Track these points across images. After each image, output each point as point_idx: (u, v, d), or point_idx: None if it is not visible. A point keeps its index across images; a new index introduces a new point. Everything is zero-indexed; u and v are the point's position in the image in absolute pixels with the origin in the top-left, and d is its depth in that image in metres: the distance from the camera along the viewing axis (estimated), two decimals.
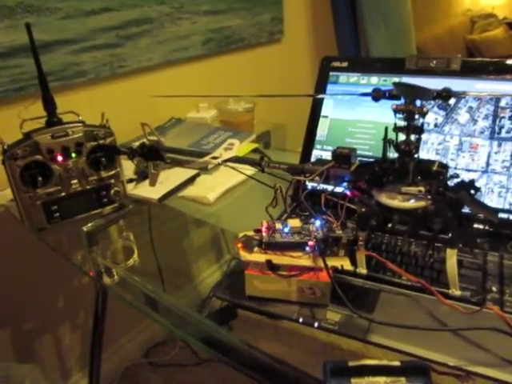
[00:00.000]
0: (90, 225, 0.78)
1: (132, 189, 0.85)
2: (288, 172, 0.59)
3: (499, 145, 0.64)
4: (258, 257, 0.52)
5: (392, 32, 1.68)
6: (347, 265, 0.51)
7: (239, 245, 0.53)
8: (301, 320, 0.50)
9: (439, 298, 0.47)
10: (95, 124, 0.75)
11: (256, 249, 0.53)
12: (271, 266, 0.51)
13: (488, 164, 0.64)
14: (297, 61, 1.70)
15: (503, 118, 0.64)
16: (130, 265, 0.74)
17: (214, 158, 0.65)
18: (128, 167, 0.83)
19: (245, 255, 0.52)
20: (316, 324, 0.49)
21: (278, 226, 0.54)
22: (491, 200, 0.63)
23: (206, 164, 0.66)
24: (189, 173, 0.90)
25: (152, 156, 0.71)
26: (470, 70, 0.67)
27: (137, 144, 0.72)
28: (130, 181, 0.86)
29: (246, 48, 1.49)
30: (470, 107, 0.66)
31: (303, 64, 1.70)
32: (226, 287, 0.56)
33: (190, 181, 0.89)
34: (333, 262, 0.51)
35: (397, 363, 0.43)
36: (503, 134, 0.64)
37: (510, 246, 0.59)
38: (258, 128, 1.20)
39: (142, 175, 0.87)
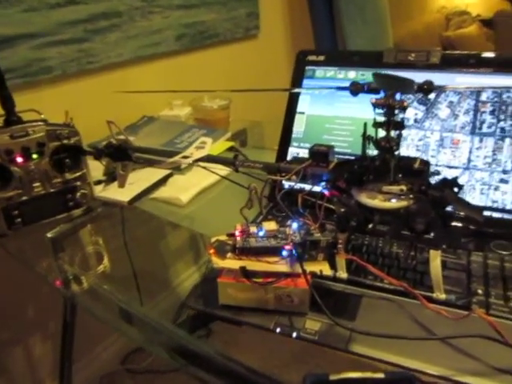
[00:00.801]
0: (55, 230, 0.73)
1: (100, 191, 0.81)
2: (264, 171, 0.56)
3: (480, 140, 0.62)
4: (232, 263, 0.48)
5: (369, 27, 1.67)
6: (326, 270, 0.48)
7: (211, 250, 0.50)
8: (278, 330, 0.47)
9: (424, 303, 0.45)
10: (59, 123, 0.71)
11: (229, 254, 0.50)
12: (246, 273, 0.48)
13: (470, 160, 0.62)
14: (274, 57, 1.67)
15: (484, 112, 0.62)
16: (99, 272, 0.70)
17: (185, 157, 0.61)
18: (96, 168, 0.79)
19: (217, 262, 0.49)
20: (294, 334, 0.46)
21: (253, 229, 0.51)
22: (473, 198, 0.61)
23: (177, 164, 0.62)
24: (161, 173, 0.86)
25: (120, 156, 0.67)
26: (450, 64, 0.65)
27: (104, 144, 0.68)
28: (98, 182, 0.82)
29: (221, 44, 1.45)
30: (451, 102, 0.64)
31: (280, 60, 1.67)
32: (199, 296, 0.53)
33: (162, 181, 0.85)
34: (311, 267, 0.48)
35: (381, 375, 0.40)
36: (484, 129, 0.62)
37: (493, 245, 0.57)
38: (234, 126, 1.16)
39: (111, 176, 0.83)
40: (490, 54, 0.64)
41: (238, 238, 0.50)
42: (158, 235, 0.82)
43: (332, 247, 0.50)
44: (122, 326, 0.60)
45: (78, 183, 0.73)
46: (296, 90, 0.73)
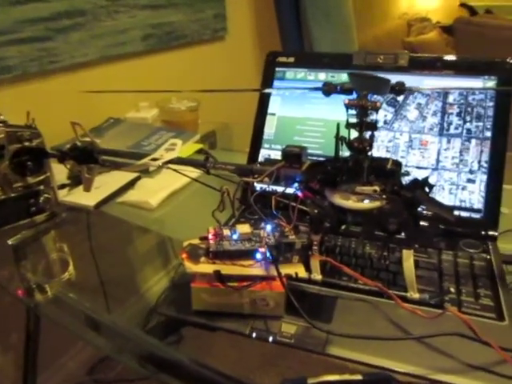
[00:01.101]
0: (16, 237, 0.70)
1: (65, 195, 0.78)
2: (235, 173, 0.55)
3: (448, 141, 0.63)
4: (205, 267, 0.47)
5: (335, 30, 1.69)
6: (302, 272, 0.48)
7: (184, 255, 0.48)
8: (254, 335, 0.46)
9: (399, 303, 0.45)
10: (20, 124, 0.67)
11: (203, 259, 0.48)
12: (220, 278, 0.46)
13: (438, 161, 0.63)
14: (242, 59, 1.66)
15: (451, 114, 0.64)
16: (64, 280, 0.67)
17: (154, 159, 0.59)
18: (61, 171, 0.75)
19: (190, 266, 0.47)
20: (271, 338, 0.45)
21: (226, 232, 0.50)
22: (442, 197, 0.62)
23: (146, 166, 0.60)
24: (129, 176, 0.83)
25: (85, 159, 0.64)
26: (418, 66, 0.66)
27: (68, 146, 0.65)
28: (63, 186, 0.78)
29: (188, 45, 1.43)
30: (419, 104, 0.65)
31: (248, 62, 1.67)
32: (170, 302, 0.51)
33: (130, 185, 0.83)
34: (286, 270, 0.47)
35: (359, 377, 0.39)
36: (452, 131, 0.63)
37: (462, 244, 0.58)
38: (203, 128, 1.15)
39: (76, 180, 0.80)
40: (456, 58, 0.65)
41: (212, 242, 0.49)
42: (126, 240, 0.80)
43: (307, 249, 0.49)
44: (89, 334, 0.58)
45: (41, 187, 0.70)
46: (268, 91, 0.73)
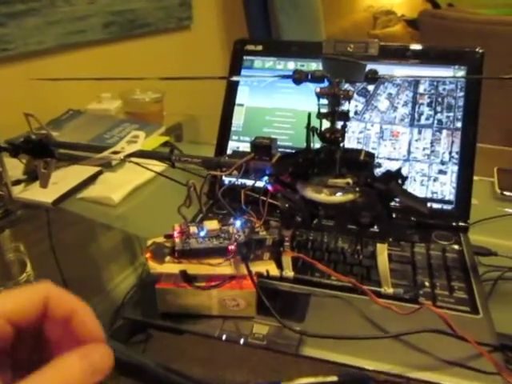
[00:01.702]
0: None
1: (20, 192, 0.73)
2: (203, 166, 0.52)
3: (419, 132, 0.62)
4: (171, 267, 0.44)
5: (303, 20, 1.67)
6: (273, 269, 0.46)
7: (148, 254, 0.45)
8: (224, 337, 0.44)
9: (374, 299, 0.44)
10: None
11: (168, 258, 0.45)
12: (186, 278, 0.44)
13: (409, 152, 0.62)
14: (208, 49, 1.62)
15: (422, 104, 0.63)
16: (22, 281, 0.62)
17: (115, 152, 0.55)
18: (16, 166, 0.70)
19: (155, 267, 0.44)
20: (242, 340, 0.43)
21: (193, 229, 0.47)
22: (414, 189, 0.61)
23: (106, 160, 0.56)
24: (89, 171, 0.79)
25: (40, 152, 0.60)
26: (388, 55, 0.65)
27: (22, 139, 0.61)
28: (18, 182, 0.73)
29: (152, 34, 1.38)
30: (390, 94, 0.64)
31: (215, 52, 1.63)
32: (135, 304, 0.48)
33: (91, 180, 0.78)
34: (257, 268, 0.45)
35: (334, 378, 0.38)
36: (422, 121, 0.63)
37: (435, 236, 0.58)
38: (169, 120, 1.11)
39: (32, 175, 0.75)
40: (426, 47, 0.64)
41: (177, 240, 0.46)
42: (88, 238, 0.76)
43: (278, 245, 0.47)
44: None
45: None
46: (236, 78, 0.70)
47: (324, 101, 0.43)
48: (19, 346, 0.25)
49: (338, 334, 0.41)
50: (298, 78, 0.43)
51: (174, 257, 0.45)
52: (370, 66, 0.45)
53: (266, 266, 0.46)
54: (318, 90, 0.42)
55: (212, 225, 0.48)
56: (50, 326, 0.25)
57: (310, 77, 0.42)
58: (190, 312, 0.45)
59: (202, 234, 0.47)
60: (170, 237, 0.47)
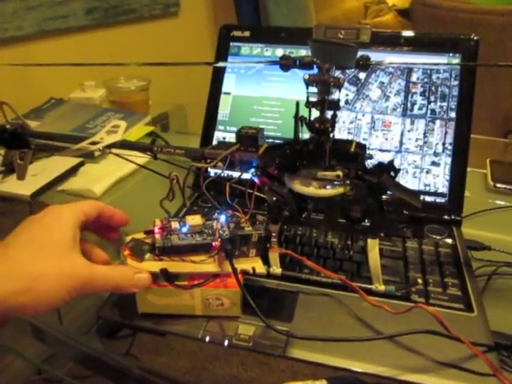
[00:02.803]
0: None
1: None
2: (187, 157, 0.49)
3: (412, 122, 0.60)
4: (151, 265, 0.42)
5: (292, 9, 1.64)
6: (260, 267, 0.43)
7: (126, 252, 0.43)
8: (208, 339, 0.41)
9: (364, 297, 0.42)
10: None
11: (148, 255, 0.43)
12: (168, 276, 0.41)
13: (401, 143, 0.60)
14: (196, 36, 1.58)
15: (415, 93, 0.61)
16: None
17: (94, 143, 0.53)
18: None
19: (134, 264, 0.42)
20: (226, 342, 0.41)
21: (175, 225, 0.45)
22: (406, 181, 0.59)
23: (84, 151, 0.53)
24: (70, 162, 0.76)
25: (15, 143, 0.57)
26: (380, 42, 0.62)
27: None
28: None
29: (138, 21, 1.34)
30: (382, 82, 0.62)
31: (203, 40, 1.59)
32: (114, 304, 0.46)
33: (72, 171, 0.75)
34: (243, 265, 0.43)
35: (323, 382, 0.36)
36: (415, 111, 0.60)
37: (427, 230, 0.56)
38: (155, 109, 1.08)
39: (10, 167, 0.71)
40: (420, 34, 0.62)
41: (158, 236, 0.44)
42: None
43: (264, 241, 0.45)
44: (24, 342, 0.52)
45: None
46: (222, 64, 0.67)
47: (313, 89, 0.40)
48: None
49: (327, 336, 0.39)
50: (286, 64, 0.40)
51: (154, 254, 0.43)
52: (361, 53, 0.43)
53: (251, 264, 0.43)
54: (307, 77, 0.39)
55: (195, 220, 0.46)
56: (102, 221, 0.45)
57: (298, 63, 0.40)
58: (171, 312, 0.43)
59: (184, 229, 0.45)
60: (150, 233, 0.45)
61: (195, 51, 1.54)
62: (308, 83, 0.40)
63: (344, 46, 0.36)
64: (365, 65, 0.40)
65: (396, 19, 3.67)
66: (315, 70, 0.40)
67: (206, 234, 0.44)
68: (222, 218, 0.45)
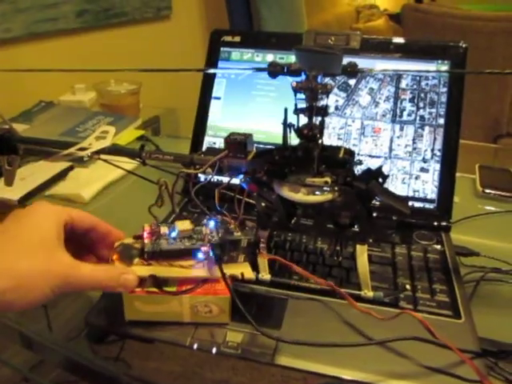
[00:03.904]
0: None
1: None
2: (175, 163, 0.49)
3: (401, 128, 0.61)
4: (140, 270, 0.41)
5: (285, 14, 1.64)
6: (248, 272, 0.43)
7: (115, 256, 0.42)
8: (195, 346, 0.41)
9: (353, 304, 0.42)
10: None
11: (136, 260, 0.42)
12: (157, 282, 0.41)
13: (391, 149, 0.60)
14: (187, 40, 1.58)
15: (404, 100, 0.61)
16: None
17: (83, 149, 0.52)
18: None
19: (122, 267, 0.41)
20: (214, 349, 0.41)
21: (164, 230, 0.44)
22: (395, 187, 0.59)
23: (72, 157, 0.53)
24: (59, 166, 0.75)
25: (3, 148, 0.56)
26: (370, 49, 0.62)
27: None
28: None
29: (129, 24, 1.34)
30: (371, 88, 0.62)
31: (195, 44, 1.58)
32: (101, 310, 0.45)
33: (61, 176, 0.75)
34: (231, 270, 0.43)
35: None
36: (405, 117, 0.61)
37: (416, 236, 0.56)
38: (146, 113, 1.07)
39: None
40: (409, 41, 0.62)
41: (147, 241, 0.43)
42: None
43: (253, 247, 0.45)
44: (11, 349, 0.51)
45: None
46: (212, 71, 0.67)
47: (302, 95, 0.40)
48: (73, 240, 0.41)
49: (316, 342, 0.39)
50: (274, 71, 0.40)
51: (143, 258, 0.42)
52: (351, 60, 0.43)
53: (240, 269, 0.43)
54: (295, 84, 0.39)
55: (184, 225, 0.46)
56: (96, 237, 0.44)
57: (286, 70, 0.40)
58: (159, 319, 0.43)
59: (174, 234, 0.44)
60: (139, 238, 0.44)
61: (187, 55, 1.53)
62: (296, 90, 0.40)
63: (328, 54, 0.37)
64: (352, 72, 0.40)
65: (388, 24, 3.69)
66: (303, 77, 0.40)
67: (196, 239, 0.44)
68: (212, 223, 0.45)
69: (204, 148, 0.67)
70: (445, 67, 0.60)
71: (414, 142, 0.60)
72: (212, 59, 0.68)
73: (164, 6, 1.44)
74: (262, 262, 0.47)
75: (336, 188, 0.42)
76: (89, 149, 0.52)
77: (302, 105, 0.41)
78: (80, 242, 0.44)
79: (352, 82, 0.63)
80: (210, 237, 0.44)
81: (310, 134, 0.41)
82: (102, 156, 0.53)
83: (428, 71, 0.61)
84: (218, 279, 0.43)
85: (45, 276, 0.36)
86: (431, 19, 1.86)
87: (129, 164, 0.55)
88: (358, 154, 0.61)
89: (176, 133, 1.18)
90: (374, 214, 0.55)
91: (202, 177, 0.58)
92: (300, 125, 0.41)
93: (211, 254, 0.43)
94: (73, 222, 0.42)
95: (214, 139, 0.67)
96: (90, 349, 0.48)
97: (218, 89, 0.68)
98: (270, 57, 0.67)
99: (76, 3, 1.12)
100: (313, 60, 0.38)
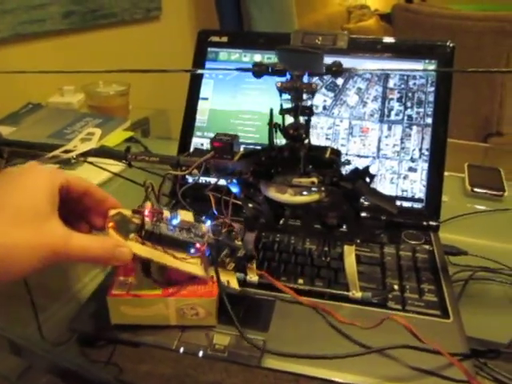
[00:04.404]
0: None
1: None
2: (163, 165, 0.49)
3: (389, 128, 0.60)
4: (135, 247, 0.40)
5: (275, 15, 1.64)
6: (234, 283, 0.43)
7: (110, 224, 0.41)
8: (182, 350, 0.41)
9: (336, 317, 0.42)
10: None
11: (132, 235, 0.41)
12: (146, 270, 0.41)
13: (379, 149, 0.60)
14: (178, 41, 1.57)
15: (392, 99, 0.61)
16: None
17: (68, 151, 0.52)
18: None
19: (116, 238, 0.40)
20: (201, 353, 0.40)
21: (167, 214, 0.43)
22: (383, 187, 0.59)
23: (57, 159, 0.52)
24: None
25: None
26: (358, 49, 0.62)
27: None
28: None
29: (118, 25, 1.33)
30: (359, 88, 0.62)
31: (185, 45, 1.57)
32: (87, 314, 0.45)
33: None
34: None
35: None
36: (392, 117, 0.61)
37: (405, 236, 0.56)
38: (135, 114, 1.06)
39: None
40: (396, 40, 0.62)
41: (147, 219, 0.42)
42: None
43: (247, 260, 0.44)
44: None
45: None
46: (199, 71, 0.66)
47: (287, 95, 0.40)
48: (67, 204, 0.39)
49: (301, 353, 0.39)
50: (258, 71, 0.40)
51: (139, 236, 0.41)
52: (338, 60, 0.42)
53: (227, 277, 0.43)
54: (279, 84, 0.39)
55: (187, 216, 0.45)
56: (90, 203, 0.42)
57: (270, 70, 0.39)
58: (145, 323, 0.42)
59: (175, 222, 0.43)
60: (138, 213, 0.43)
61: (177, 55, 1.52)
62: (281, 90, 0.40)
63: (308, 53, 0.36)
64: (338, 71, 0.39)
65: (379, 24, 3.70)
66: (288, 77, 0.40)
67: (194, 234, 0.43)
68: (209, 222, 0.44)
69: (192, 149, 0.66)
70: (432, 66, 0.60)
71: (402, 142, 0.60)
72: (199, 60, 0.67)
73: (154, 7, 1.43)
74: (251, 264, 0.47)
75: (323, 188, 0.42)
76: (74, 151, 0.51)
77: (288, 105, 0.41)
78: (73, 208, 0.42)
79: (340, 81, 0.63)
80: (210, 236, 0.43)
81: (296, 133, 0.40)
82: (90, 159, 0.53)
83: (413, 69, 0.61)
84: (205, 281, 0.42)
85: (34, 248, 0.34)
86: (421, 19, 1.87)
87: (117, 166, 0.55)
88: (347, 154, 0.61)
89: (166, 134, 1.17)
90: (363, 214, 0.56)
91: (190, 178, 0.57)
92: (286, 125, 0.41)
93: (207, 253, 0.42)
94: (69, 186, 0.39)
95: (202, 140, 0.67)
96: (81, 353, 0.47)
97: (206, 89, 0.67)
98: (257, 57, 0.66)
99: (62, 4, 1.10)
100: (294, 60, 0.38)
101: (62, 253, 0.35)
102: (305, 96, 0.39)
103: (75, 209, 0.42)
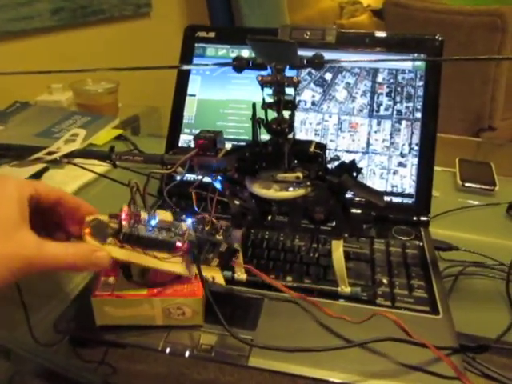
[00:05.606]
0: None
1: None
2: (148, 164, 0.48)
3: (378, 123, 0.60)
4: (113, 251, 0.39)
5: (266, 11, 1.63)
6: (220, 278, 0.42)
7: (87, 230, 0.40)
8: (168, 350, 0.40)
9: (324, 311, 0.41)
10: None
11: (110, 239, 0.40)
12: (126, 272, 0.40)
13: (368, 144, 0.60)
14: (168, 37, 1.55)
15: (381, 94, 0.60)
16: None
17: (51, 152, 0.51)
18: None
19: (92, 243, 0.39)
20: (187, 353, 0.40)
21: (144, 215, 0.43)
22: (373, 183, 0.59)
23: (40, 161, 0.51)
24: (34, 168, 0.73)
25: None
26: (346, 43, 0.62)
27: None
28: None
29: (108, 21, 1.31)
30: (348, 83, 0.61)
31: (174, 41, 1.56)
32: (72, 315, 0.44)
33: (36, 177, 0.73)
34: (203, 272, 0.41)
35: None
36: (382, 112, 0.60)
37: (394, 231, 0.55)
38: (125, 112, 1.05)
39: None
40: (385, 34, 0.62)
41: (124, 223, 0.41)
42: None
43: (231, 254, 0.44)
44: None
45: None
46: (186, 67, 0.65)
47: (269, 89, 0.39)
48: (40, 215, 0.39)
49: (289, 347, 0.38)
50: (238, 65, 0.39)
51: (117, 239, 0.40)
52: (326, 54, 0.42)
53: (212, 273, 0.42)
54: (260, 78, 0.38)
55: (166, 216, 0.44)
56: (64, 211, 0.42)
57: (251, 64, 0.39)
58: (131, 323, 0.41)
59: (153, 222, 0.42)
60: (115, 217, 0.42)
61: (167, 52, 1.50)
62: (262, 84, 0.39)
63: (280, 43, 0.36)
64: (319, 63, 0.39)
65: (371, 19, 3.70)
66: (269, 71, 0.39)
67: (174, 233, 0.42)
68: (189, 220, 0.44)
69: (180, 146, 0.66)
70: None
71: (391, 137, 0.59)
72: (187, 55, 0.66)
73: (143, 3, 1.42)
74: (239, 261, 0.46)
75: (308, 183, 0.41)
76: (57, 153, 0.50)
77: (271, 99, 0.40)
78: (48, 218, 0.41)
79: (328, 76, 0.62)
80: (190, 234, 0.43)
81: (279, 128, 0.40)
82: (75, 160, 0.52)
83: (400, 59, 0.60)
84: (190, 279, 0.42)
85: (4, 258, 0.33)
86: (412, 14, 1.86)
87: (103, 166, 0.54)
88: (336, 150, 0.60)
89: (156, 131, 1.16)
90: (353, 210, 0.55)
91: (178, 176, 0.57)
92: (269, 120, 0.40)
93: (188, 251, 0.42)
94: (39, 196, 0.39)
95: (189, 137, 0.66)
96: (75, 353, 0.46)
97: (193, 86, 0.66)
98: (245, 52, 0.65)
99: (51, 1, 1.09)
100: (266, 51, 0.37)
101: (35, 262, 0.35)
102: (287, 89, 0.38)
103: (50, 218, 0.42)
